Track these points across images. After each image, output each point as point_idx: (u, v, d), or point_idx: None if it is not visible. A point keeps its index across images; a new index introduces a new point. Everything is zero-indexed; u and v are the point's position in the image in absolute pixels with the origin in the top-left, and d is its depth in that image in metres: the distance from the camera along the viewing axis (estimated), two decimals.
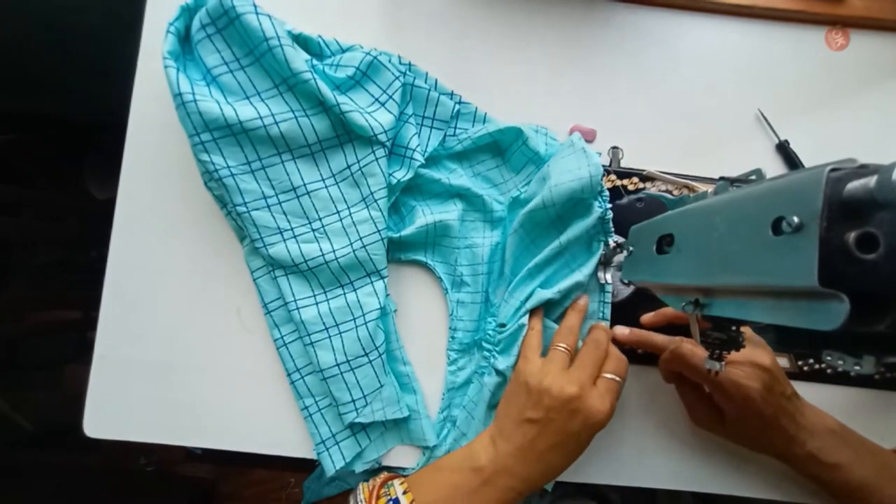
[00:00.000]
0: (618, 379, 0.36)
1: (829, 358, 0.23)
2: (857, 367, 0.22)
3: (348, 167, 0.41)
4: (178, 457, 1.14)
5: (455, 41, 0.46)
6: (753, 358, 0.37)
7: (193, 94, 0.36)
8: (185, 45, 0.39)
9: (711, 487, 0.43)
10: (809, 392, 0.44)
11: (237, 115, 0.37)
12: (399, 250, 0.44)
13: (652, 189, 0.45)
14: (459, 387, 0.43)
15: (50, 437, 1.09)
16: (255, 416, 0.43)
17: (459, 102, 0.44)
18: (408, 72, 0.42)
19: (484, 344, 0.42)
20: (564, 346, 0.37)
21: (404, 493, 0.34)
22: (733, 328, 0.32)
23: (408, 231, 0.42)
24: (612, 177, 0.44)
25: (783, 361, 0.44)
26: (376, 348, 0.40)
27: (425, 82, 0.43)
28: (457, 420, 0.42)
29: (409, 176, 0.42)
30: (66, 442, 1.05)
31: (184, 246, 0.43)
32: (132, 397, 0.43)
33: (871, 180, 0.17)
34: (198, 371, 0.43)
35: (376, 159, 0.40)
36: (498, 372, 0.40)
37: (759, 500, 0.44)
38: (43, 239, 1.16)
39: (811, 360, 0.44)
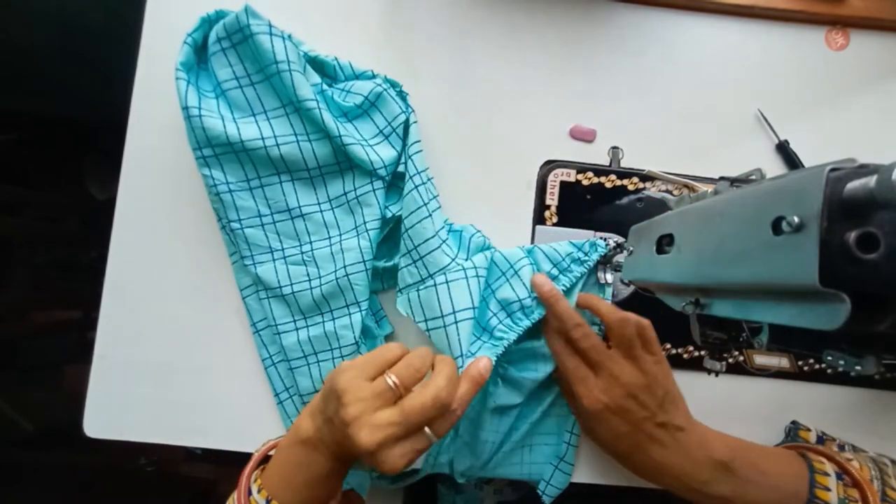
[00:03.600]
0: (416, 445, 0.30)
1: (829, 358, 0.23)
2: (857, 368, 0.22)
3: (345, 194, 0.41)
4: (178, 457, 1.14)
5: (455, 41, 0.46)
6: (615, 370, 0.35)
7: (200, 108, 0.37)
8: (201, 54, 0.39)
9: None
10: (809, 392, 0.44)
11: (239, 135, 0.37)
12: (392, 278, 0.43)
13: (652, 189, 0.45)
14: None
15: (50, 437, 1.09)
16: (256, 417, 0.43)
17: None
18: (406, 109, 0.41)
19: None
20: (395, 379, 0.30)
21: (259, 490, 0.32)
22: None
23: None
24: (613, 177, 0.44)
25: (783, 361, 0.44)
26: None
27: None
28: (459, 427, 0.42)
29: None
30: (66, 442, 1.05)
31: (184, 246, 0.43)
32: (132, 397, 0.43)
33: (871, 180, 0.17)
34: (198, 371, 0.43)
35: (374, 190, 0.40)
36: (506, 380, 0.40)
37: None
38: (43, 239, 1.16)
39: (811, 360, 0.44)
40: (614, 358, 0.36)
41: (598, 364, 0.36)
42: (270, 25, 0.36)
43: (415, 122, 0.41)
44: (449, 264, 0.39)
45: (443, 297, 0.38)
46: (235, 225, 0.40)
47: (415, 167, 0.39)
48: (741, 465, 0.35)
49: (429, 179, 0.40)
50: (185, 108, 0.36)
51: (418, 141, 0.40)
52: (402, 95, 0.41)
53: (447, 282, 0.38)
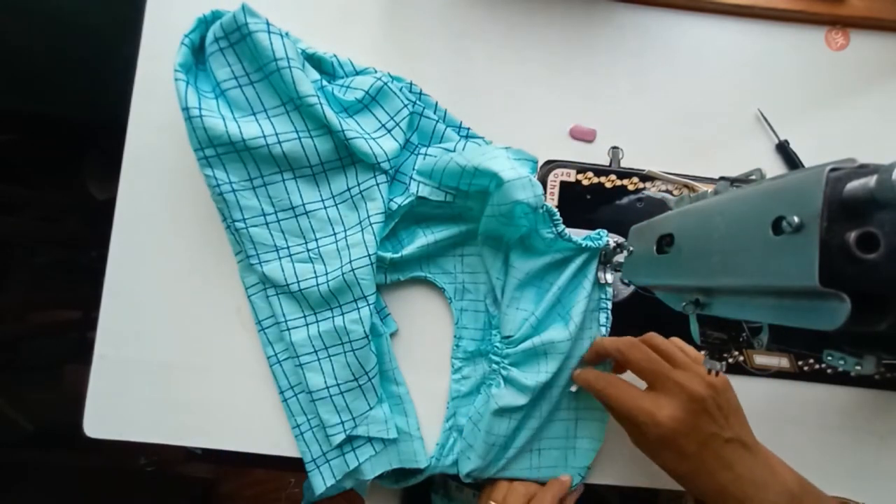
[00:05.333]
0: None
1: (829, 358, 0.23)
2: (857, 367, 0.22)
3: (348, 189, 0.41)
4: (178, 457, 1.14)
5: (455, 41, 0.46)
6: (685, 381, 0.32)
7: (200, 109, 0.36)
8: (199, 55, 0.39)
9: None
10: (809, 392, 0.44)
11: (241, 133, 0.37)
12: (397, 271, 0.43)
13: (652, 189, 0.45)
14: (464, 395, 0.43)
15: (50, 437, 1.08)
16: (256, 417, 0.43)
17: (467, 136, 0.43)
18: (418, 101, 0.42)
19: (491, 356, 0.42)
20: None
21: None
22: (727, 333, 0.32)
23: (408, 250, 0.42)
24: (613, 177, 0.44)
25: (783, 361, 0.44)
26: (366, 373, 0.40)
27: (434, 113, 0.43)
28: (463, 430, 0.42)
29: (410, 200, 0.41)
30: (66, 442, 1.05)
31: (184, 246, 0.43)
32: (132, 397, 0.43)
33: (871, 180, 0.17)
34: (198, 371, 0.43)
35: (377, 184, 0.40)
36: (522, 386, 0.40)
37: None
38: (43, 239, 1.16)
39: (811, 360, 0.44)
40: (674, 370, 0.33)
41: (658, 377, 0.33)
42: (268, 23, 0.36)
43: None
44: None
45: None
46: (240, 224, 0.40)
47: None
48: (810, 502, 0.32)
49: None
50: (186, 109, 0.36)
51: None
52: (414, 91, 0.42)
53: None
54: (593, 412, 0.43)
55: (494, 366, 0.42)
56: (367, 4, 0.45)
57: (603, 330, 0.43)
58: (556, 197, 0.44)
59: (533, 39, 0.46)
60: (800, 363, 0.44)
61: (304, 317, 0.41)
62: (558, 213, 0.40)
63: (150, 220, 0.43)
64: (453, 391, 0.43)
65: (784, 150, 0.45)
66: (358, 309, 0.40)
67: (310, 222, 0.41)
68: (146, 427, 0.43)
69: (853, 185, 0.18)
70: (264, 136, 0.38)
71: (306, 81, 0.37)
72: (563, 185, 0.44)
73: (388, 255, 0.41)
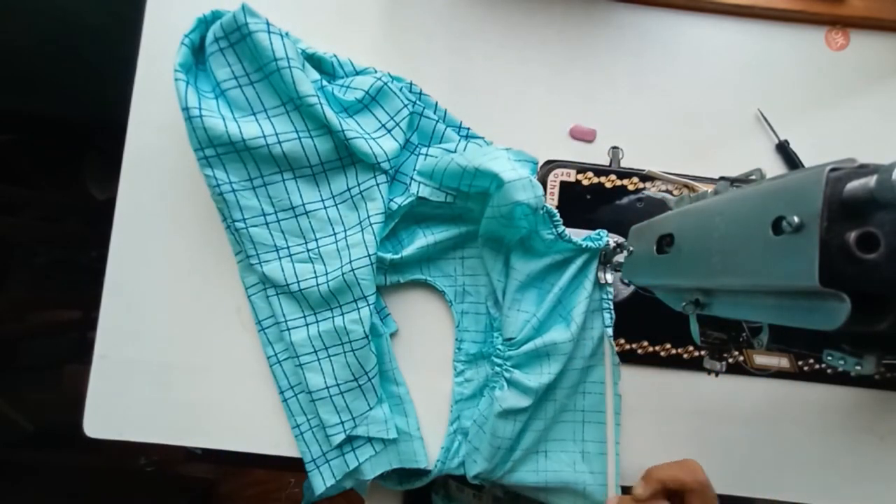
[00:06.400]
0: None
1: (829, 358, 0.23)
2: (857, 367, 0.22)
3: (348, 189, 0.41)
4: (178, 457, 1.14)
5: (455, 41, 0.46)
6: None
7: (200, 109, 0.36)
8: (198, 55, 0.39)
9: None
10: (809, 392, 0.44)
11: (241, 134, 0.37)
12: (398, 272, 0.43)
13: (652, 189, 0.45)
14: (468, 398, 0.43)
15: (50, 437, 1.09)
16: (256, 416, 0.43)
17: (467, 136, 0.43)
18: (418, 101, 0.42)
19: (494, 359, 0.42)
20: None
21: None
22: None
23: (408, 251, 0.42)
24: (613, 177, 0.44)
25: (783, 361, 0.44)
26: (366, 373, 0.40)
27: (434, 113, 0.43)
28: (468, 433, 0.42)
29: (410, 201, 0.41)
30: (66, 442, 1.05)
31: (184, 246, 0.43)
32: (132, 397, 0.43)
33: (871, 180, 0.17)
34: (198, 371, 0.43)
35: (377, 185, 0.40)
36: (525, 388, 0.40)
37: (758, 500, 0.44)
38: (43, 239, 1.16)
39: (811, 360, 0.44)
40: None
41: None
42: (268, 23, 0.36)
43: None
44: None
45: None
46: (240, 224, 0.40)
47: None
48: None
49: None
50: (186, 109, 0.36)
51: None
52: (414, 91, 0.41)
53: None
54: (601, 415, 0.43)
55: (497, 368, 0.42)
56: (367, 4, 0.45)
57: (608, 331, 0.42)
58: (556, 197, 0.44)
59: (533, 39, 0.46)
60: (800, 363, 0.44)
61: (304, 317, 0.41)
62: (558, 215, 0.40)
63: (150, 220, 0.43)
64: (456, 394, 0.43)
65: (784, 150, 0.45)
66: (358, 309, 0.40)
67: (310, 222, 0.41)
68: (146, 427, 0.43)
69: (853, 185, 0.18)
70: (264, 136, 0.38)
71: (306, 81, 0.37)
72: (563, 185, 0.44)
73: (388, 255, 0.41)
